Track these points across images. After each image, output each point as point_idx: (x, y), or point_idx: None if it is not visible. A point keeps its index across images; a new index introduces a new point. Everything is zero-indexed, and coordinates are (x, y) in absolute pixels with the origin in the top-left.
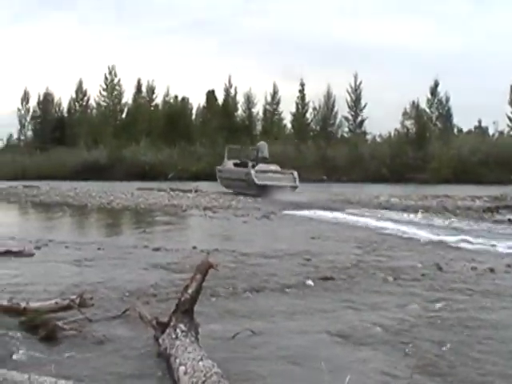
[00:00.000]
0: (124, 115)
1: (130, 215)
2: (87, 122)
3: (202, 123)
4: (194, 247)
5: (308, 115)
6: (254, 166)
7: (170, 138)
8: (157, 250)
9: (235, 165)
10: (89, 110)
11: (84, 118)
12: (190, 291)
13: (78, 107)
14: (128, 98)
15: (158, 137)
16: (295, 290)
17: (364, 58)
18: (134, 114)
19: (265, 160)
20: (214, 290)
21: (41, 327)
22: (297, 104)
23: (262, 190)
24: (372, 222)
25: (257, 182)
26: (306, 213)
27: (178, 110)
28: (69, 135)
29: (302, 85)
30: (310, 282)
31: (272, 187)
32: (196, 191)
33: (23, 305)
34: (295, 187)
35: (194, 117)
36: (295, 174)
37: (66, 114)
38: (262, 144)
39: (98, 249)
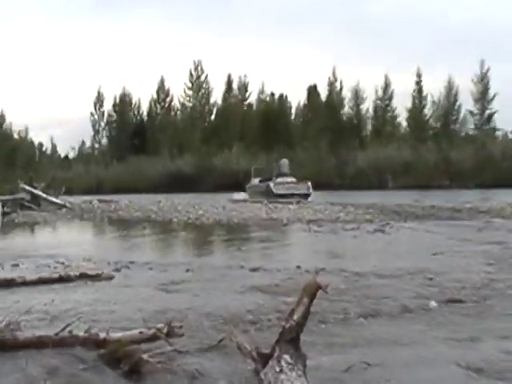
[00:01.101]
0: (213, 117)
1: (222, 231)
2: (171, 127)
3: (302, 124)
4: (298, 266)
5: (426, 111)
6: (276, 179)
7: (267, 141)
8: (254, 270)
9: (260, 181)
10: (172, 113)
11: (167, 121)
12: (295, 317)
13: (159, 109)
14: (217, 96)
15: (252, 141)
16: (416, 314)
17: (491, 43)
18: (225, 115)
19: (285, 174)
20: (323, 315)
21: (123, 360)
22: (413, 98)
23: (280, 198)
24: (507, 235)
25: (275, 191)
26: (425, 224)
27: (275, 109)
28: (149, 142)
29: (419, 75)
30: (433, 305)
31: (287, 195)
32: (298, 202)
33: (103, 335)
34: (308, 195)
35: (293, 117)
36: (309, 183)
37: (145, 118)
38: (284, 161)
39: (187, 270)
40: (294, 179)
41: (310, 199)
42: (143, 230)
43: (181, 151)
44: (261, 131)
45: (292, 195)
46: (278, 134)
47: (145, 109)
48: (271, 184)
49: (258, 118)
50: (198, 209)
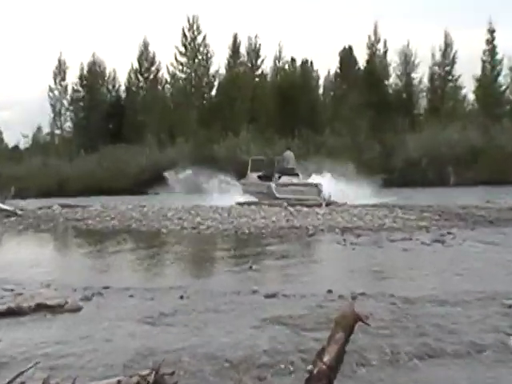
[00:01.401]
0: (214, 92)
1: (227, 244)
2: (158, 105)
3: (333, 100)
4: (329, 291)
5: (501, 79)
6: (279, 178)
7: (286, 124)
8: (271, 296)
9: (259, 177)
10: (159, 87)
11: (152, 98)
12: (326, 359)
13: (142, 83)
14: (219, 64)
15: (266, 123)
16: (493, 353)
17: None
18: (230, 88)
19: (290, 171)
20: (363, 355)
21: None
22: (483, 63)
23: (283, 203)
24: None
25: (277, 195)
26: (501, 232)
27: (296, 80)
28: (129, 126)
29: (491, 32)
30: None
31: (292, 200)
32: (329, 204)
33: None
34: (318, 201)
35: (321, 90)
36: (320, 186)
37: (123, 94)
38: (287, 154)
39: (181, 297)
40: (301, 179)
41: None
42: (122, 244)
43: (172, 138)
44: (278, 110)
45: (299, 201)
46: (301, 114)
47: (122, 82)
48: (272, 185)
49: (273, 93)
50: (195, 214)
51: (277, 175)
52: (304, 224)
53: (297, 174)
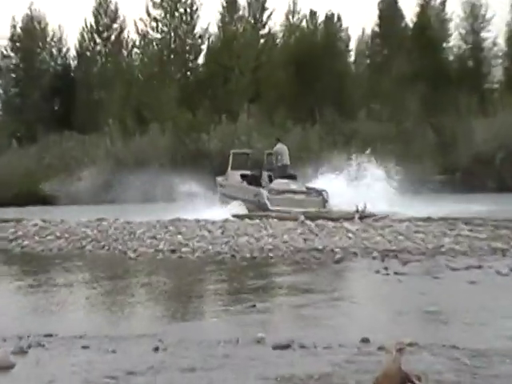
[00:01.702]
0: (201, 59)
1: (221, 274)
2: (122, 78)
3: (370, 69)
4: (365, 340)
5: None
6: (270, 180)
7: (303, 103)
8: (283, 347)
9: (243, 177)
10: (124, 51)
11: (115, 68)
12: None
13: (100, 46)
14: (209, 20)
15: (275, 102)
16: None
17: None
18: (224, 54)
19: (285, 170)
20: None
21: None
22: None
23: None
24: None
25: (269, 206)
26: None
27: (317, 43)
28: (83, 107)
29: None
30: None
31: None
32: (363, 217)
33: None
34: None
35: (352, 57)
36: (325, 194)
37: (74, 62)
38: (280, 148)
39: (156, 349)
40: (301, 185)
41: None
42: (72, 273)
43: (142, 124)
44: (291, 84)
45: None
46: (324, 90)
47: (72, 45)
48: (263, 192)
49: (285, 61)
50: (175, 232)
51: (266, 176)
52: (329, 245)
53: (294, 176)
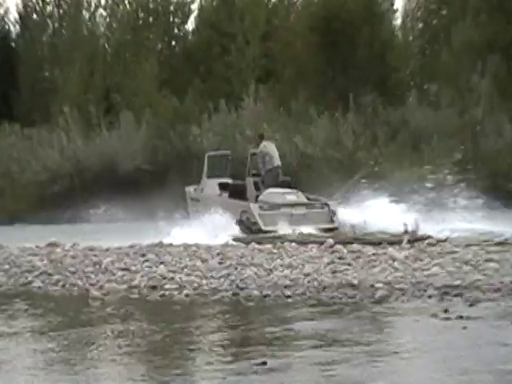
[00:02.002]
0: (190, 24)
1: (219, 319)
2: (83, 50)
3: (422, 36)
4: None
5: None
6: (257, 189)
7: (329, 83)
8: None
9: (222, 187)
10: (86, 13)
11: (74, 36)
12: None
13: (51, 6)
14: None
15: (293, 82)
16: None
17: None
18: (222, 17)
19: (276, 175)
20: None
21: None
22: None
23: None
24: None
25: (263, 227)
26: None
27: (350, 2)
28: (28, 90)
29: None
30: None
31: (289, 236)
32: (414, 240)
33: None
34: (330, 229)
35: (398, 19)
36: (333, 205)
37: (15, 28)
38: (267, 146)
39: None
40: (300, 195)
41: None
42: (14, 320)
43: (110, 112)
44: (315, 57)
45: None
46: (360, 64)
47: (13, 5)
48: (254, 209)
49: (306, 25)
50: (157, 261)
51: (251, 184)
52: (367, 279)
53: (288, 183)
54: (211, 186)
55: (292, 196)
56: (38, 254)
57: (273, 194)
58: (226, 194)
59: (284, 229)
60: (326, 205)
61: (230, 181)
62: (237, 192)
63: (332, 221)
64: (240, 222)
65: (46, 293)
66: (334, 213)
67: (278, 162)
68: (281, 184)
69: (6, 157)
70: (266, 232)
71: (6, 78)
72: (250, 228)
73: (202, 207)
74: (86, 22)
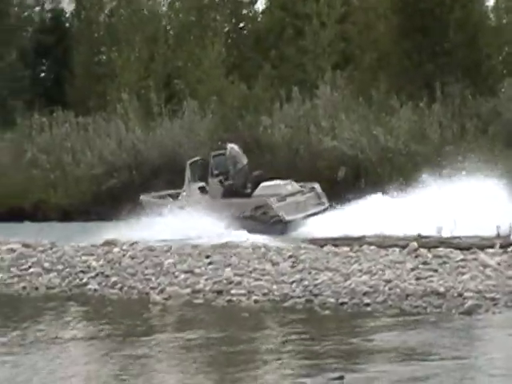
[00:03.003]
0: (260, 4)
1: (291, 328)
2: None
3: None
4: None
5: None
6: (243, 188)
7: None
8: None
9: (202, 191)
10: None
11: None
12: None
13: None
14: None
15: (372, 70)
16: None
17: None
18: None
19: (246, 171)
20: None
21: None
22: None
23: (287, 228)
24: None
25: (286, 217)
26: None
27: None
28: (82, 75)
29: None
30: None
31: (298, 220)
32: (507, 245)
33: None
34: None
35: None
36: (317, 187)
37: (68, 7)
38: (234, 148)
39: None
40: (288, 181)
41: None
42: (69, 325)
43: (172, 100)
44: (398, 42)
45: (305, 218)
46: (448, 50)
47: None
48: (271, 202)
49: (389, 6)
50: (223, 263)
51: (215, 183)
52: (455, 287)
53: (262, 176)
54: (195, 189)
55: (289, 186)
56: (94, 254)
57: (271, 186)
58: (201, 192)
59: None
60: (313, 188)
61: (203, 185)
62: (231, 191)
63: (322, 202)
64: (251, 217)
65: (103, 296)
66: (321, 194)
67: (245, 160)
68: (256, 178)
69: (58, 147)
70: (287, 222)
71: (59, 61)
72: (266, 221)
73: (191, 211)
74: (146, 2)
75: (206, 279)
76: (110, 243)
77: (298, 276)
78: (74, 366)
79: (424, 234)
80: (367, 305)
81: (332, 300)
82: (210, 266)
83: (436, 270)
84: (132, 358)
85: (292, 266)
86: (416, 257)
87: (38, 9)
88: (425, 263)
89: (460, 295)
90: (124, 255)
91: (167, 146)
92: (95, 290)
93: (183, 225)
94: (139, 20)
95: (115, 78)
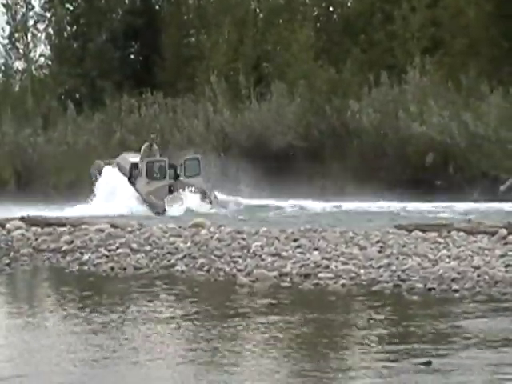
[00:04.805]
0: None
1: (378, 312)
2: (232, 14)
3: None
4: None
5: None
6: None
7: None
8: None
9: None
10: None
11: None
12: None
13: None
14: None
15: (462, 55)
16: None
17: None
18: None
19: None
20: None
21: None
22: None
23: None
24: None
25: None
26: None
27: None
28: (171, 57)
29: None
30: None
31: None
32: None
33: None
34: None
35: None
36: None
37: None
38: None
39: None
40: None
41: None
42: (152, 305)
43: (261, 83)
44: (490, 27)
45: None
46: None
47: None
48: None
49: None
50: (310, 246)
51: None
52: None
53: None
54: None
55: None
56: (182, 236)
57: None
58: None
59: None
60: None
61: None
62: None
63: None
64: None
65: (190, 277)
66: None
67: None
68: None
69: (147, 128)
70: None
71: (149, 43)
72: None
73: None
74: None
75: (294, 262)
76: (197, 225)
77: (385, 261)
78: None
79: None
80: (455, 291)
81: (420, 285)
82: (298, 250)
83: None
84: (217, 338)
85: (379, 251)
86: (505, 244)
87: None
88: None
89: None
90: (211, 237)
91: (255, 129)
92: (182, 271)
93: None
94: (228, 3)
95: (204, 61)
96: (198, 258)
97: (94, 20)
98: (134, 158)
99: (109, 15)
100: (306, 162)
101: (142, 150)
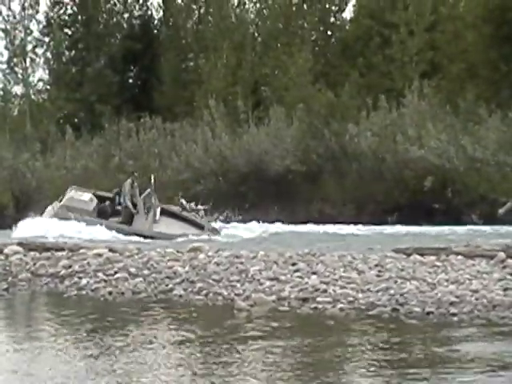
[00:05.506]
0: (348, 13)
1: (377, 336)
2: (230, 38)
3: None
4: None
5: None
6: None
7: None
8: None
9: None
10: None
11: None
12: None
13: None
14: None
15: (460, 79)
16: None
17: None
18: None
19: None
20: None
21: None
22: None
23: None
24: None
25: None
26: None
27: None
28: (170, 81)
29: None
30: None
31: None
32: None
33: None
34: None
35: None
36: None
37: (157, 14)
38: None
39: None
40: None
41: None
42: (149, 330)
43: (259, 106)
44: (488, 51)
45: None
46: None
47: None
48: None
49: (478, 15)
50: (309, 270)
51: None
52: None
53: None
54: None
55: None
56: (180, 260)
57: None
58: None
59: None
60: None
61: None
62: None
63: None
64: None
65: (188, 302)
66: None
67: None
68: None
69: (145, 153)
70: None
71: (147, 67)
72: None
73: None
74: (234, 8)
75: (292, 286)
76: (195, 250)
77: (383, 285)
78: (162, 369)
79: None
80: (454, 315)
81: (418, 309)
82: (296, 274)
83: None
84: (214, 362)
85: (378, 275)
86: (504, 267)
87: (126, 15)
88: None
89: None
90: (209, 261)
91: (254, 153)
92: (180, 295)
93: None
94: (227, 27)
95: (202, 85)
96: (196, 282)
97: (92, 45)
98: (86, 196)
99: (107, 40)
100: (304, 186)
101: (123, 187)
